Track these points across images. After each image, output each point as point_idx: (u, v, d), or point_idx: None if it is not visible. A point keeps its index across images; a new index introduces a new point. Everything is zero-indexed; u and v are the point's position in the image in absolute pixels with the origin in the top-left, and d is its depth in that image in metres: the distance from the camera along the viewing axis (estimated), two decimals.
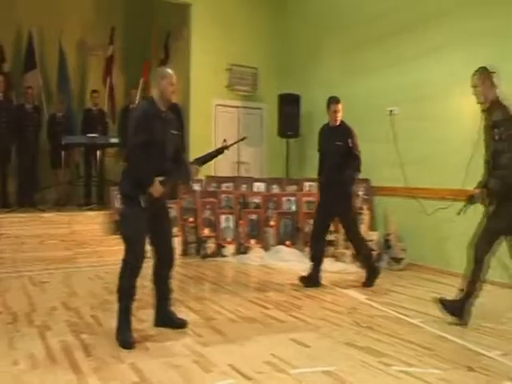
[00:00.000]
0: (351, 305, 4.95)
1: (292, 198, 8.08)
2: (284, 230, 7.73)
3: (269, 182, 8.74)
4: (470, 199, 4.29)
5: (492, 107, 4.25)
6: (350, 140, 5.61)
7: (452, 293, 4.42)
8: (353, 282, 5.97)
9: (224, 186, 8.44)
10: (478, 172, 4.43)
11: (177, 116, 4.49)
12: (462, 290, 4.26)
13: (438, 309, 4.36)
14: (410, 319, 4.46)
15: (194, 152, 8.80)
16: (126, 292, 3.78)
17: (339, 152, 5.63)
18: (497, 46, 5.93)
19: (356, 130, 5.74)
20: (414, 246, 6.75)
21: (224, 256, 7.43)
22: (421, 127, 6.86)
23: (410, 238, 6.82)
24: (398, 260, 6.77)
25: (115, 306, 3.84)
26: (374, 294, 5.40)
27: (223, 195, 8.05)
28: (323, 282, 5.78)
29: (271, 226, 7.75)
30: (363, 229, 6.94)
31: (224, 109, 9.63)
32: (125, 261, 3.80)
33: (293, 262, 7.04)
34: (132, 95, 9.40)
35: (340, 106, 5.71)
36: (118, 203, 7.42)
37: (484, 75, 4.30)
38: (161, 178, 3.76)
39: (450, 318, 4.29)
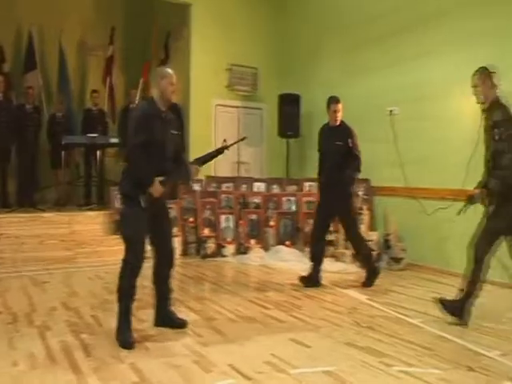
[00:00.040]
0: (351, 305, 4.95)
1: (292, 198, 8.08)
2: (284, 230, 7.73)
3: (269, 182, 8.74)
4: (470, 199, 4.29)
5: (492, 107, 4.24)
6: (350, 140, 5.61)
7: (452, 293, 4.41)
8: (353, 281, 5.97)
9: (224, 186, 8.44)
10: (477, 172, 4.43)
11: (177, 116, 4.49)
12: (462, 289, 4.26)
13: (438, 309, 4.36)
14: (410, 319, 4.46)
15: (194, 152, 8.80)
16: (126, 292, 3.78)
17: (339, 152, 5.62)
18: (497, 45, 5.93)
19: (356, 130, 5.74)
20: (414, 246, 6.75)
21: (224, 256, 7.43)
22: (421, 127, 6.86)
23: (410, 238, 6.82)
24: (397, 260, 6.77)
25: (115, 306, 3.83)
26: (374, 294, 5.40)
27: (223, 195, 8.05)
28: (323, 281, 5.78)
29: (271, 226, 7.75)
30: (363, 229, 6.94)
31: (224, 109, 9.63)
32: (125, 261, 3.80)
33: (293, 262, 7.04)
34: (132, 95, 9.40)
35: (340, 106, 5.71)
36: (118, 203, 7.41)
37: (484, 75, 4.30)
38: (161, 178, 3.77)
39: (449, 318, 4.29)
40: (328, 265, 6.22)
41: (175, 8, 9.43)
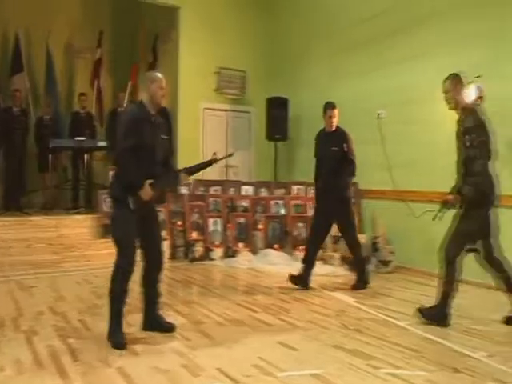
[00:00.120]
0: (339, 308, 4.97)
1: (280, 202, 8.10)
2: (272, 234, 7.73)
3: (257, 185, 8.74)
4: (445, 204, 4.35)
5: (464, 113, 4.30)
6: (345, 145, 5.66)
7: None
8: (341, 284, 6.00)
9: (212, 190, 8.44)
10: None
11: (165, 120, 4.50)
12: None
13: (418, 318, 4.39)
14: (397, 322, 4.48)
15: (183, 156, 8.88)
16: (117, 295, 3.80)
17: (335, 157, 5.68)
18: (486, 49, 6.02)
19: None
20: (402, 248, 6.79)
21: (212, 259, 7.43)
22: (408, 131, 6.91)
23: (398, 241, 6.86)
24: (386, 263, 6.81)
25: (103, 310, 3.83)
26: (362, 296, 5.42)
27: (211, 199, 8.05)
28: (311, 284, 5.79)
29: (259, 230, 7.75)
30: None
31: (212, 112, 9.64)
32: (116, 265, 3.82)
33: (281, 265, 7.05)
34: (120, 98, 9.38)
35: (336, 112, 5.76)
36: (106, 207, 7.41)
37: (455, 81, 4.37)
38: (150, 181, 3.78)
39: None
40: (316, 267, 6.22)
41: (163, 11, 9.43)
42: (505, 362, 3.50)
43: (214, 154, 4.45)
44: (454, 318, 4.36)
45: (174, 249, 7.53)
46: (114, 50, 10.63)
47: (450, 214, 4.41)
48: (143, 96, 3.99)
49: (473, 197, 4.18)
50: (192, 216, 7.70)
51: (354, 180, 7.11)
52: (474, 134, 4.16)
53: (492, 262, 4.41)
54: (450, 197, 4.33)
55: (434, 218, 4.36)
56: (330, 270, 6.70)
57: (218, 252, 7.53)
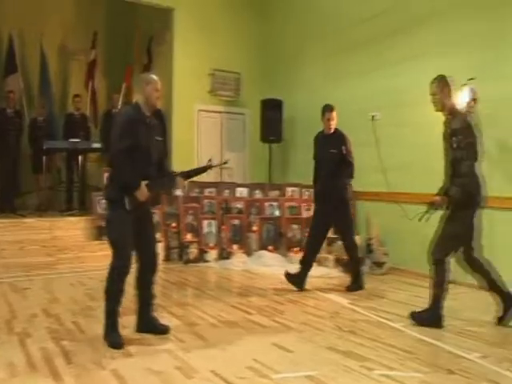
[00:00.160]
0: (333, 309, 4.97)
1: (275, 203, 8.11)
2: (267, 235, 7.73)
3: (251, 187, 8.74)
4: (431, 205, 4.38)
5: (450, 115, 4.33)
6: (343, 147, 5.68)
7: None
8: (335, 286, 6.01)
9: (207, 192, 8.43)
10: None
11: (160, 121, 4.51)
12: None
13: (411, 323, 4.40)
14: (391, 323, 4.49)
15: (177, 157, 8.87)
16: (113, 295, 3.82)
17: (333, 160, 5.70)
18: (481, 50, 6.05)
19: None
20: (396, 250, 6.80)
21: (206, 261, 7.41)
22: (403, 133, 6.93)
23: (392, 243, 6.87)
24: (380, 264, 6.82)
25: (97, 312, 3.83)
26: (356, 298, 5.43)
27: (206, 200, 8.04)
28: (306, 286, 5.79)
29: (254, 231, 7.75)
30: None
31: (207, 114, 9.63)
32: (112, 266, 3.83)
33: (275, 267, 7.04)
34: (114, 100, 9.36)
35: (334, 114, 5.78)
36: (100, 208, 7.39)
37: (442, 83, 4.41)
38: (146, 182, 3.80)
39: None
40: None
41: (158, 12, 9.42)
42: (499, 363, 3.51)
43: (210, 160, 4.49)
44: (447, 320, 4.38)
45: (169, 250, 7.51)
46: (109, 51, 10.61)
47: (437, 215, 4.43)
48: (138, 97, 4.01)
49: (459, 198, 4.20)
50: (186, 218, 7.69)
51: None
52: (460, 136, 4.20)
53: (472, 263, 4.46)
54: (437, 198, 4.37)
55: (420, 219, 4.41)
56: (324, 272, 6.70)
57: (212, 254, 7.52)
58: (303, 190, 8.46)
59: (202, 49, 9.36)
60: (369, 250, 6.89)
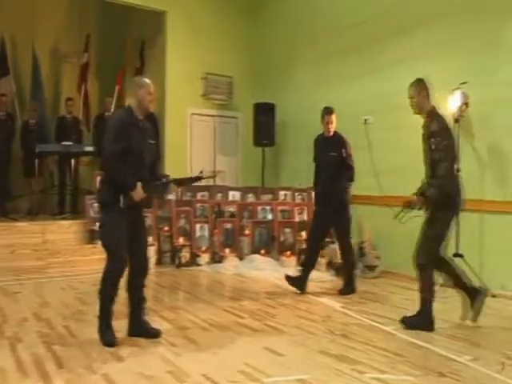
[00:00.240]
0: (325, 313, 4.98)
1: (267, 207, 8.10)
2: (259, 239, 7.72)
3: (244, 190, 8.74)
4: (408, 205, 4.41)
5: (429, 117, 4.38)
6: (343, 150, 5.71)
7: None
8: (327, 290, 6.01)
9: (199, 195, 8.42)
10: None
11: (152, 125, 4.53)
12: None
13: (402, 327, 4.41)
14: (383, 327, 4.50)
15: (170, 160, 8.87)
16: (107, 295, 3.88)
17: (333, 163, 5.72)
18: (472, 55, 6.10)
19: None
20: (388, 253, 6.81)
21: (199, 265, 7.40)
22: (395, 136, 6.95)
23: (385, 246, 6.89)
24: (372, 268, 6.83)
25: (88, 316, 3.83)
26: (348, 302, 5.44)
27: (198, 204, 8.03)
28: (297, 290, 5.79)
29: (246, 235, 7.74)
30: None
31: (199, 118, 9.64)
32: (107, 268, 3.87)
33: (267, 270, 7.05)
34: (107, 103, 9.35)
35: (333, 117, 5.81)
36: (92, 212, 7.37)
37: (420, 86, 4.47)
38: (141, 184, 3.84)
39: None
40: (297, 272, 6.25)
41: (150, 16, 9.42)
42: (489, 366, 3.53)
43: (201, 172, 4.56)
44: (438, 323, 4.40)
45: (161, 254, 7.50)
46: (101, 54, 10.59)
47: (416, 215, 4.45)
48: (131, 101, 4.03)
49: (437, 199, 4.24)
50: (179, 221, 7.68)
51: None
52: (438, 138, 4.25)
53: (439, 262, 4.48)
54: (414, 198, 4.40)
55: (395, 217, 4.44)
56: (316, 276, 6.67)
57: (204, 257, 7.51)
58: (296, 193, 8.47)
59: (195, 52, 9.37)
60: (361, 253, 6.91)
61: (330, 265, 6.91)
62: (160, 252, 7.49)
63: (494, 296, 5.65)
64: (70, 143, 8.20)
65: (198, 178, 4.51)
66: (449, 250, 5.87)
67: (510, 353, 3.82)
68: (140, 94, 3.95)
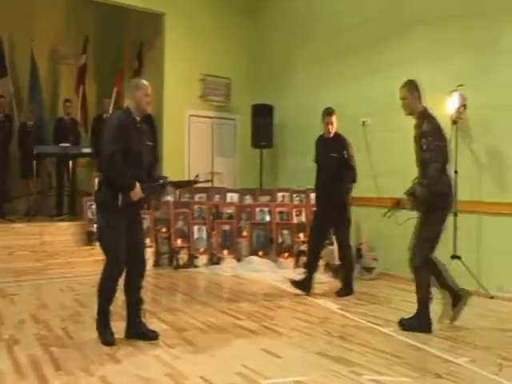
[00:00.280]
0: (323, 315, 4.98)
1: (265, 209, 8.09)
2: (257, 241, 7.71)
3: (242, 192, 8.73)
4: (397, 204, 4.42)
5: (420, 118, 4.40)
6: (345, 152, 5.71)
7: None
8: (325, 291, 6.01)
9: (197, 197, 8.42)
10: None
11: (150, 126, 4.54)
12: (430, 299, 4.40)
13: (400, 329, 4.42)
14: (381, 328, 4.50)
15: (168, 162, 8.88)
16: (106, 295, 3.91)
17: (334, 164, 5.72)
18: (471, 57, 6.12)
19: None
20: (386, 255, 6.82)
21: (196, 267, 7.40)
22: (393, 138, 6.95)
23: (382, 248, 6.89)
24: (369, 269, 6.84)
25: (86, 318, 3.82)
26: (346, 303, 5.44)
27: (196, 206, 8.03)
28: (295, 291, 5.80)
29: (244, 237, 7.74)
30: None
31: (197, 119, 9.64)
32: (106, 269, 3.90)
33: (265, 272, 7.05)
34: (105, 104, 9.35)
35: (333, 118, 5.82)
36: (90, 213, 7.36)
37: (412, 88, 4.49)
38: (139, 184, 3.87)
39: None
40: (300, 275, 6.24)
41: (148, 17, 9.42)
42: (487, 368, 3.53)
43: (197, 176, 4.60)
44: (435, 324, 4.40)
45: (159, 256, 7.49)
46: (99, 56, 10.58)
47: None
48: (129, 102, 4.05)
49: (426, 199, 4.25)
50: (177, 223, 7.68)
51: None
52: (430, 138, 4.27)
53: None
54: (404, 198, 4.40)
55: (383, 215, 4.45)
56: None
57: (202, 259, 7.50)
58: (294, 195, 8.46)
59: (193, 54, 9.38)
60: (358, 255, 6.91)
61: (328, 266, 6.91)
62: (158, 254, 7.48)
63: (491, 297, 5.67)
64: (67, 145, 8.20)
65: (194, 182, 4.55)
66: (447, 251, 5.95)
67: (507, 354, 3.83)
68: (138, 95, 3.97)
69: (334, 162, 5.72)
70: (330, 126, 5.81)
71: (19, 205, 8.82)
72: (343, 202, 5.77)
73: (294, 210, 8.05)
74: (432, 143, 4.24)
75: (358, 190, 7.30)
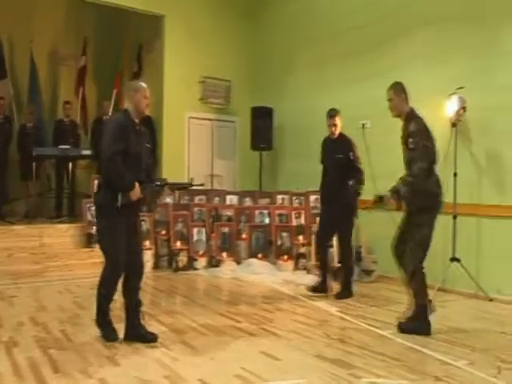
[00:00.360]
0: (322, 317, 4.98)
1: (264, 211, 8.10)
2: (256, 243, 7.71)
3: (241, 194, 8.74)
4: (380, 200, 4.42)
5: (408, 119, 4.41)
6: (351, 153, 5.72)
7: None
8: (324, 294, 5.99)
9: (197, 199, 8.42)
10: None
11: (149, 128, 4.56)
12: (430, 300, 4.39)
13: (399, 332, 4.41)
14: (380, 331, 4.50)
15: (167, 164, 8.87)
16: (106, 295, 3.95)
17: (339, 165, 5.74)
18: (470, 60, 6.13)
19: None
20: (385, 258, 6.77)
21: (196, 269, 7.39)
22: (393, 141, 6.91)
23: (381, 250, 6.87)
24: (368, 272, 6.84)
25: (85, 320, 3.83)
26: (345, 306, 5.44)
27: (196, 208, 8.03)
28: (294, 294, 5.80)
29: (243, 239, 7.74)
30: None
31: (197, 121, 9.64)
32: (105, 270, 3.93)
33: (264, 274, 7.05)
34: (104, 107, 9.35)
35: (336, 120, 5.84)
36: (89, 216, 7.36)
37: (398, 89, 4.52)
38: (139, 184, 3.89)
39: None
40: (300, 277, 6.27)
41: (148, 19, 9.43)
42: (485, 370, 3.53)
43: (192, 179, 4.63)
44: (434, 327, 4.40)
45: (158, 258, 7.49)
46: (99, 58, 10.59)
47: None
48: (127, 105, 4.07)
49: (410, 197, 4.24)
50: (176, 225, 7.67)
51: None
52: (417, 138, 4.30)
53: (402, 256, 4.47)
54: (388, 194, 4.39)
55: (365, 208, 4.46)
56: (313, 280, 6.69)
57: (201, 261, 7.50)
58: (293, 197, 8.47)
59: (193, 56, 9.38)
60: (358, 257, 6.90)
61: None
62: (157, 256, 7.48)
63: (490, 300, 5.67)
64: (67, 147, 8.19)
65: (190, 185, 4.60)
66: (445, 254, 5.96)
67: (506, 357, 3.83)
68: (136, 97, 3.99)
69: (340, 162, 5.73)
70: (334, 128, 5.83)
71: (18, 207, 8.82)
72: (348, 204, 5.75)
73: (293, 213, 8.05)
74: (419, 143, 4.27)
75: None
